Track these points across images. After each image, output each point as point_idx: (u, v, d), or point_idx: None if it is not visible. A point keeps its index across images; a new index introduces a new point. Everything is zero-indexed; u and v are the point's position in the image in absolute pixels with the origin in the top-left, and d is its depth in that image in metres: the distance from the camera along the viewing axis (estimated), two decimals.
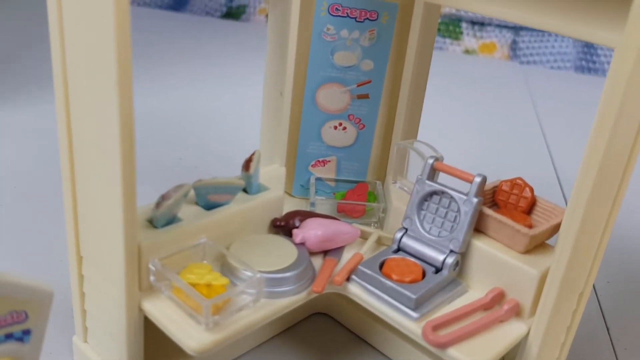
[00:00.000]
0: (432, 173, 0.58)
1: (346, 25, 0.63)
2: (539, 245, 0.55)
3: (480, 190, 0.55)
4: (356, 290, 0.55)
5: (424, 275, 0.55)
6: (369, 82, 0.66)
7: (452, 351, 0.49)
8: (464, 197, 0.55)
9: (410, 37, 0.63)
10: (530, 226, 0.56)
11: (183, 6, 2.03)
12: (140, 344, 0.52)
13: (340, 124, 0.68)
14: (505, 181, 0.60)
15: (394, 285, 0.53)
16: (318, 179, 0.69)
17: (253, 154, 0.58)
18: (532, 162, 1.20)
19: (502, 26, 1.89)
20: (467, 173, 0.55)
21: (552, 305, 0.50)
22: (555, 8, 0.47)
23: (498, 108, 1.47)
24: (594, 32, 0.45)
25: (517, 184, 0.59)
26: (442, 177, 0.59)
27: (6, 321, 0.39)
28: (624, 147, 0.46)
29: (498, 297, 0.54)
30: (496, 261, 0.54)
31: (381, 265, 0.56)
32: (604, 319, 0.76)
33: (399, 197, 0.63)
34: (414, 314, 0.52)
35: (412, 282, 0.54)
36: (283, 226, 0.60)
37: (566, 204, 0.99)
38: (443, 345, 0.49)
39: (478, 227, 0.56)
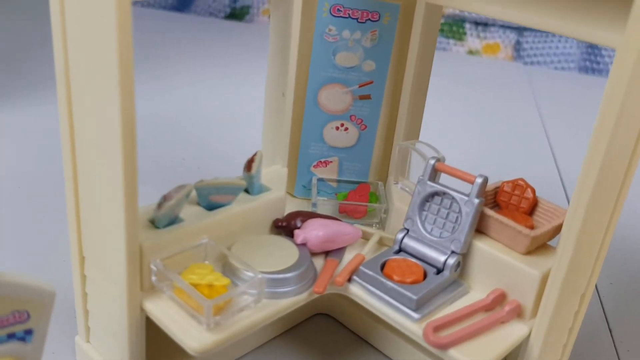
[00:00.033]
0: (434, 174, 0.58)
1: (348, 26, 0.63)
2: (540, 246, 0.55)
3: (482, 191, 0.55)
4: (357, 291, 0.55)
5: (425, 276, 0.55)
6: (371, 82, 0.66)
7: (453, 352, 0.49)
8: (466, 198, 0.55)
9: (412, 37, 0.63)
10: (531, 227, 0.56)
11: (187, 7, 2.04)
12: (142, 344, 0.53)
13: (342, 125, 0.68)
14: (507, 182, 0.60)
15: (395, 286, 0.53)
16: (320, 180, 0.69)
17: (255, 155, 0.58)
18: (535, 163, 1.20)
19: (506, 27, 1.89)
20: (468, 174, 0.55)
21: (553, 307, 0.50)
22: (557, 8, 0.47)
23: (501, 109, 1.47)
24: (595, 32, 0.45)
25: (519, 185, 0.59)
26: (444, 178, 0.59)
27: (8, 321, 0.39)
28: (626, 147, 0.46)
29: (499, 298, 0.54)
30: (497, 262, 0.54)
31: (382, 266, 0.56)
32: (607, 320, 0.76)
33: (400, 197, 0.63)
34: (415, 315, 0.52)
35: (414, 283, 0.54)
36: (285, 227, 0.60)
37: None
38: (444, 346, 0.49)
39: (479, 228, 0.56)
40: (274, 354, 0.65)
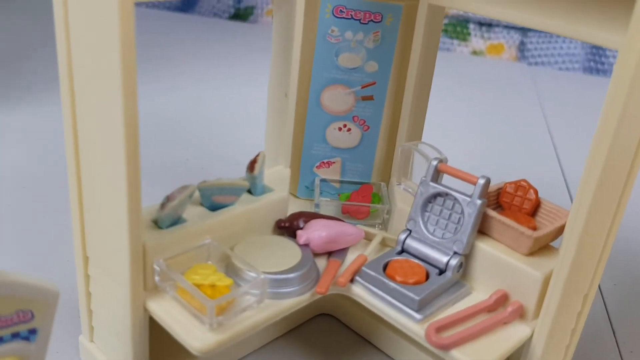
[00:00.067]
0: (436, 175, 0.58)
1: (350, 27, 0.64)
2: (543, 247, 0.55)
3: (484, 192, 0.55)
4: (360, 292, 0.55)
5: (427, 276, 0.55)
6: (374, 83, 0.66)
7: (455, 353, 0.49)
8: (468, 199, 0.55)
9: (415, 39, 0.63)
10: (534, 228, 0.56)
11: (191, 7, 2.04)
12: (145, 343, 0.53)
13: (345, 126, 0.68)
14: (510, 183, 0.60)
15: (397, 287, 0.53)
16: (323, 180, 0.69)
17: (258, 155, 0.58)
18: (539, 164, 1.19)
19: (510, 27, 1.88)
20: (470, 175, 0.55)
21: (555, 308, 0.50)
22: (559, 9, 0.47)
23: (505, 109, 1.47)
24: (598, 33, 0.45)
25: (522, 186, 0.59)
26: (447, 179, 0.59)
27: (12, 320, 0.39)
28: (628, 148, 0.46)
29: (502, 299, 0.54)
30: (500, 263, 0.54)
31: (385, 267, 0.56)
32: (610, 322, 0.76)
33: (403, 198, 0.63)
34: (418, 316, 0.52)
35: (416, 283, 0.54)
36: (287, 227, 0.60)
37: None
38: (446, 347, 0.49)
39: (482, 229, 0.56)
40: (277, 354, 0.65)
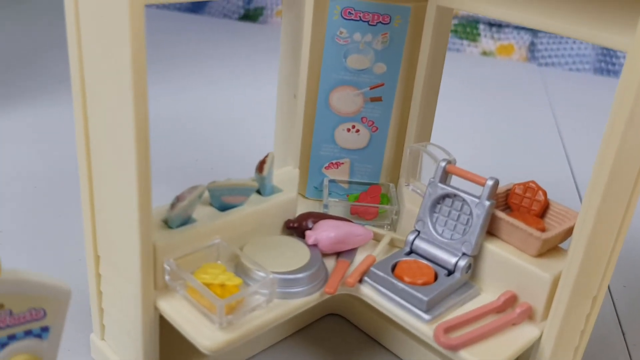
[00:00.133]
0: (445, 176, 0.58)
1: (359, 28, 0.64)
2: (551, 248, 0.55)
3: (493, 193, 0.55)
4: (368, 292, 0.55)
5: (436, 277, 0.55)
6: (382, 85, 0.66)
7: (463, 353, 0.49)
8: (477, 200, 0.55)
9: (423, 40, 0.63)
10: (543, 229, 0.56)
11: (201, 8, 2.05)
12: (155, 342, 0.53)
13: (354, 127, 0.68)
14: (519, 184, 0.60)
15: (406, 287, 0.53)
16: (331, 181, 0.70)
17: (267, 156, 0.59)
18: (548, 165, 1.19)
19: (520, 28, 1.88)
20: (479, 176, 0.55)
21: (564, 309, 0.50)
22: (568, 11, 0.47)
23: (515, 110, 1.47)
24: (606, 35, 0.45)
25: (530, 187, 0.59)
26: (455, 180, 0.59)
27: (25, 318, 0.40)
28: (637, 150, 0.46)
29: (510, 300, 0.54)
30: (508, 264, 0.54)
31: (393, 267, 0.56)
32: (620, 323, 0.75)
33: (411, 199, 0.63)
34: (426, 316, 0.52)
35: (424, 284, 0.54)
36: (296, 227, 0.60)
37: None
38: (455, 348, 0.49)
39: (491, 230, 0.56)
40: (286, 354, 0.65)
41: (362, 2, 0.62)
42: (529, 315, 0.53)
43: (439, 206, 0.58)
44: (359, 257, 0.59)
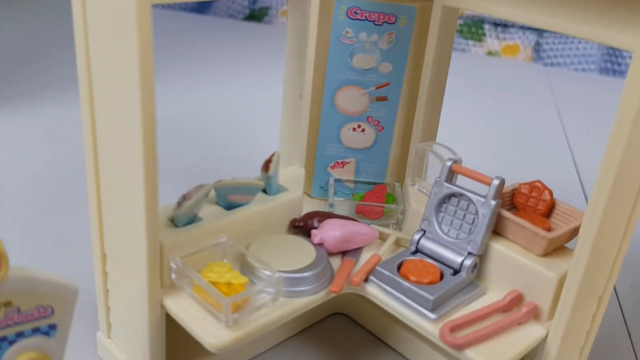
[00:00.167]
0: (450, 175, 0.58)
1: (365, 28, 0.64)
2: (557, 248, 0.55)
3: (499, 193, 0.55)
4: (374, 291, 0.55)
5: (442, 277, 0.55)
6: (388, 84, 0.66)
7: (469, 353, 0.49)
8: (482, 200, 0.55)
9: (429, 40, 0.63)
10: (548, 229, 0.56)
11: (206, 8, 2.05)
12: (162, 340, 0.53)
13: (359, 126, 0.68)
14: (524, 184, 0.60)
15: (411, 287, 0.53)
16: (337, 181, 0.70)
17: (272, 155, 0.59)
18: (554, 165, 1.19)
19: (526, 28, 1.87)
20: (485, 176, 0.55)
21: (570, 309, 0.50)
22: (574, 11, 0.47)
23: (520, 110, 1.46)
24: (613, 35, 0.45)
25: (536, 187, 0.59)
26: (461, 180, 0.59)
27: (33, 315, 0.40)
28: None
29: (516, 300, 0.54)
30: (514, 264, 0.54)
31: (399, 267, 0.56)
32: (626, 324, 0.75)
33: (417, 199, 0.63)
34: (432, 315, 0.52)
35: (430, 283, 0.54)
36: (302, 227, 0.61)
37: None
38: (460, 347, 0.49)
39: (496, 229, 0.56)
40: (291, 353, 0.66)
41: (368, 2, 0.63)
42: (534, 314, 0.53)
43: (444, 205, 0.58)
44: (365, 257, 0.59)
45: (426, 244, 0.58)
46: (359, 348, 0.67)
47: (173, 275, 0.52)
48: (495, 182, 0.54)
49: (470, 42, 1.91)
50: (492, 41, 1.90)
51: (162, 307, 0.52)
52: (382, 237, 0.62)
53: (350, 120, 0.68)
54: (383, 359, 0.66)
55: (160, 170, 0.47)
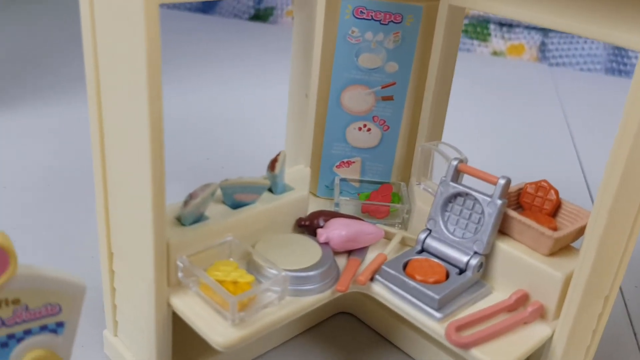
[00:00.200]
0: (456, 175, 0.58)
1: (371, 27, 0.64)
2: (563, 248, 0.55)
3: (505, 192, 0.55)
4: (380, 290, 0.56)
5: (447, 276, 0.55)
6: (394, 84, 0.66)
7: (475, 352, 0.49)
8: (488, 199, 0.55)
9: (435, 39, 0.63)
10: (554, 229, 0.56)
11: (212, 8, 2.06)
12: (168, 338, 0.54)
13: (365, 126, 0.68)
14: (530, 183, 0.60)
15: (417, 286, 0.53)
16: (342, 180, 0.70)
17: (278, 155, 0.59)
18: (560, 165, 1.18)
19: (531, 28, 1.87)
20: (491, 175, 0.55)
21: (576, 308, 0.50)
22: (580, 10, 0.47)
23: (526, 110, 1.46)
24: (619, 34, 0.45)
25: (542, 187, 0.59)
26: (467, 179, 0.59)
27: (41, 313, 0.40)
28: None
29: (522, 299, 0.54)
30: (520, 263, 0.54)
31: (405, 266, 0.56)
32: (631, 324, 0.75)
33: (423, 198, 0.63)
34: (437, 314, 0.52)
35: (436, 282, 0.54)
36: (308, 226, 0.61)
37: None
38: (466, 346, 0.49)
39: (502, 229, 0.56)
40: (297, 352, 0.66)
41: (374, 2, 0.63)
42: (540, 314, 0.53)
43: (450, 205, 0.58)
44: (370, 256, 0.60)
45: (432, 243, 0.58)
46: (365, 347, 0.67)
47: (179, 274, 0.52)
48: (502, 181, 0.54)
49: (476, 42, 1.91)
50: (497, 41, 1.89)
51: (169, 305, 0.52)
52: (388, 237, 0.63)
53: (356, 120, 0.68)
54: (388, 358, 0.66)
55: (166, 169, 0.47)
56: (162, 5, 0.42)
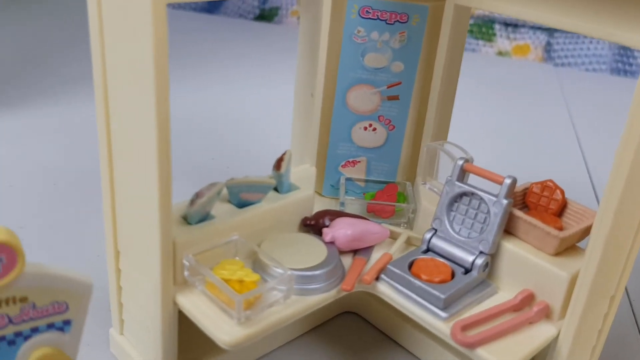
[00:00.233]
0: (462, 174, 0.58)
1: (377, 27, 0.64)
2: (569, 247, 0.55)
3: (510, 192, 0.55)
4: (385, 290, 0.56)
5: (453, 275, 0.55)
6: (399, 83, 0.66)
7: (480, 351, 0.49)
8: (494, 199, 0.55)
9: (441, 39, 0.63)
10: (560, 228, 0.56)
11: (217, 8, 2.06)
12: (174, 337, 0.54)
13: (370, 125, 0.68)
14: (536, 183, 0.60)
15: (422, 285, 0.53)
16: (348, 179, 0.70)
17: (284, 154, 0.59)
18: (565, 165, 1.18)
19: (536, 28, 1.87)
20: (497, 175, 0.55)
21: (582, 308, 0.50)
22: (585, 10, 0.47)
23: (531, 110, 1.46)
24: (624, 34, 0.44)
25: (548, 186, 0.59)
26: (472, 179, 0.59)
27: (48, 311, 0.40)
28: None
29: (528, 299, 0.54)
30: (526, 263, 0.54)
31: (410, 265, 0.56)
32: (637, 323, 0.75)
33: (428, 198, 0.63)
34: (443, 314, 0.52)
35: (441, 282, 0.54)
36: (313, 225, 0.61)
37: None
38: (471, 346, 0.49)
39: (508, 228, 0.56)
40: (302, 351, 0.66)
41: (380, 1, 0.63)
42: (546, 314, 0.53)
43: (456, 204, 0.58)
44: (376, 255, 0.60)
45: (437, 242, 0.58)
46: (370, 347, 0.67)
47: (186, 273, 0.52)
48: (507, 181, 0.54)
49: (481, 42, 1.91)
50: (502, 41, 1.89)
51: (175, 304, 0.52)
52: (393, 236, 0.63)
53: (362, 119, 0.68)
54: (394, 358, 0.66)
55: (172, 169, 0.47)
56: (167, 5, 0.42)
